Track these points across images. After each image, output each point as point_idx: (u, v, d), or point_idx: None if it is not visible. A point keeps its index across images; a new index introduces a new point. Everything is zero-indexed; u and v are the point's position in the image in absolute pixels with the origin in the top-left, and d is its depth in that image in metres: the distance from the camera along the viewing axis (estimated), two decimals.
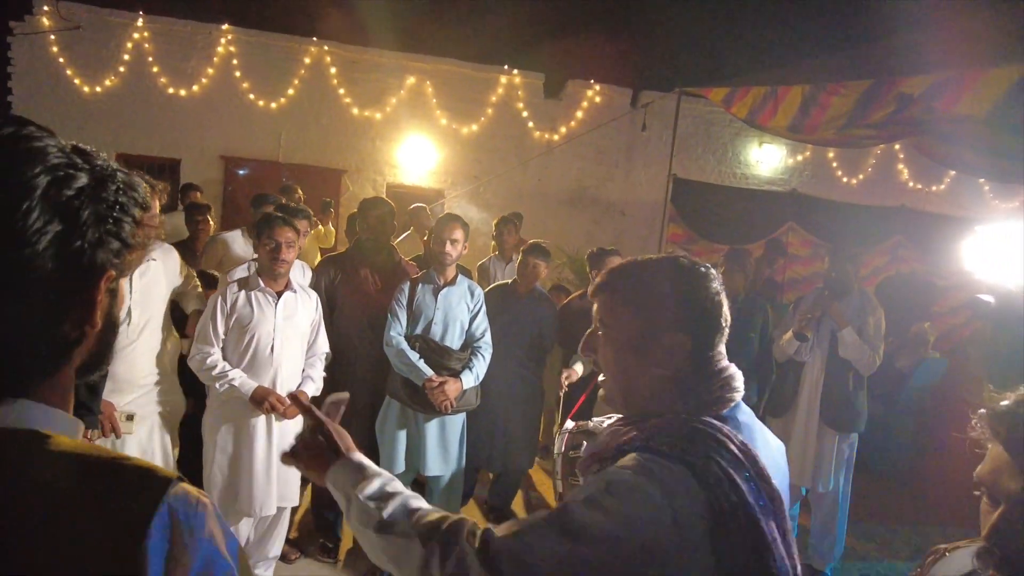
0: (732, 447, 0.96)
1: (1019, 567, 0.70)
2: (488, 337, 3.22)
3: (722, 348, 1.11)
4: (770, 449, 1.10)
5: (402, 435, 3.11)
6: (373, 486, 1.05)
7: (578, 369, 3.50)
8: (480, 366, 3.13)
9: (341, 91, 7.60)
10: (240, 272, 3.14)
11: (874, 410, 3.66)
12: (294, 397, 1.28)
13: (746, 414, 1.09)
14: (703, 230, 6.50)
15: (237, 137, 7.54)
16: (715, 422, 1.00)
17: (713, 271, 1.12)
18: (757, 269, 6.04)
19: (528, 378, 3.70)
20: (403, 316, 3.08)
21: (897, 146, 7.97)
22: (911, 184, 8.61)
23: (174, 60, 7.31)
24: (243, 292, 2.79)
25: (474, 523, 0.99)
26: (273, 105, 7.51)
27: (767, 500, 0.94)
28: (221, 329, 2.75)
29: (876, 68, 4.09)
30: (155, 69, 7.26)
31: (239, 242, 4.15)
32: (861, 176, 8.65)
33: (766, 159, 8.48)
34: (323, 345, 3.02)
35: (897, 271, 7.14)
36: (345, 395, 1.28)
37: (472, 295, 3.21)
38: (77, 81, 7.14)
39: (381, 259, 3.37)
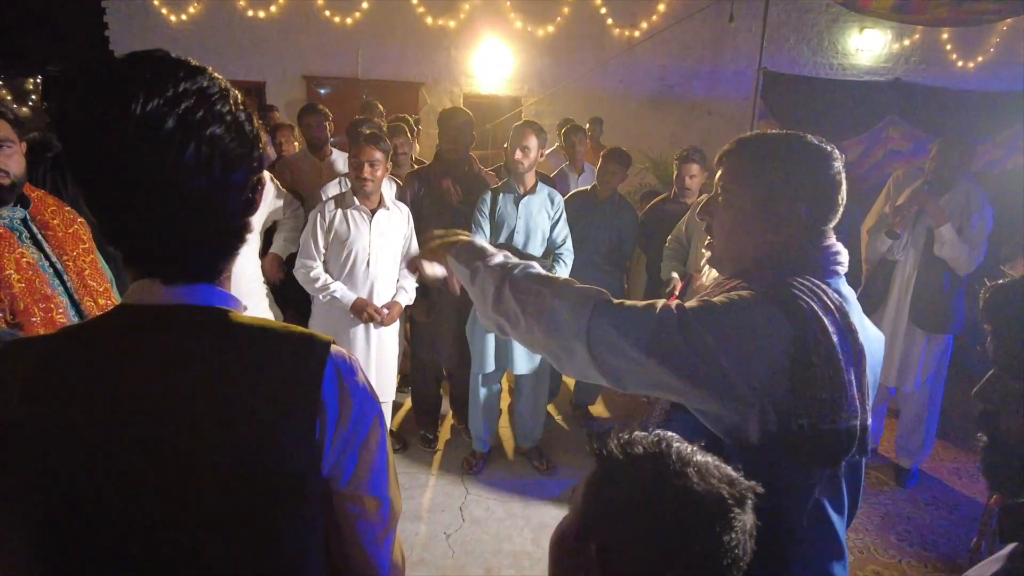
0: (825, 298, 1.05)
1: (995, 421, 0.79)
2: (569, 244, 3.29)
3: (832, 225, 1.17)
4: (865, 329, 1.15)
5: (491, 338, 3.30)
6: (498, 258, 1.22)
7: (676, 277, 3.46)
8: (562, 272, 3.23)
9: (414, 0, 7.50)
10: (332, 188, 3.33)
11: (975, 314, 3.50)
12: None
13: (847, 288, 1.16)
14: (796, 126, 6.06)
15: (317, 56, 7.65)
16: (814, 280, 1.08)
17: (837, 152, 1.17)
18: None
19: (608, 283, 3.77)
20: (486, 226, 3.19)
21: None
22: None
23: None
24: (339, 210, 2.97)
25: (598, 291, 1.12)
26: (349, 21, 7.52)
27: (850, 349, 1.02)
28: (322, 244, 2.97)
29: None
30: None
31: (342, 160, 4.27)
32: (980, 58, 7.80)
33: (868, 46, 7.77)
34: None
35: (1014, 163, 6.55)
36: None
37: (552, 203, 3.27)
38: (164, 11, 7.38)
39: (462, 170, 3.46)
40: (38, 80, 9.37)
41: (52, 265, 1.75)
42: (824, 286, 1.07)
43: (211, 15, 7.44)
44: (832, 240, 1.16)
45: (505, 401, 4.01)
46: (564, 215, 3.30)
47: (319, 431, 0.79)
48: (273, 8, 7.46)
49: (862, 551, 2.97)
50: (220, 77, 0.79)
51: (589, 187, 3.83)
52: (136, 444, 0.73)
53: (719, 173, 1.20)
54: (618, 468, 0.75)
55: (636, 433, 0.77)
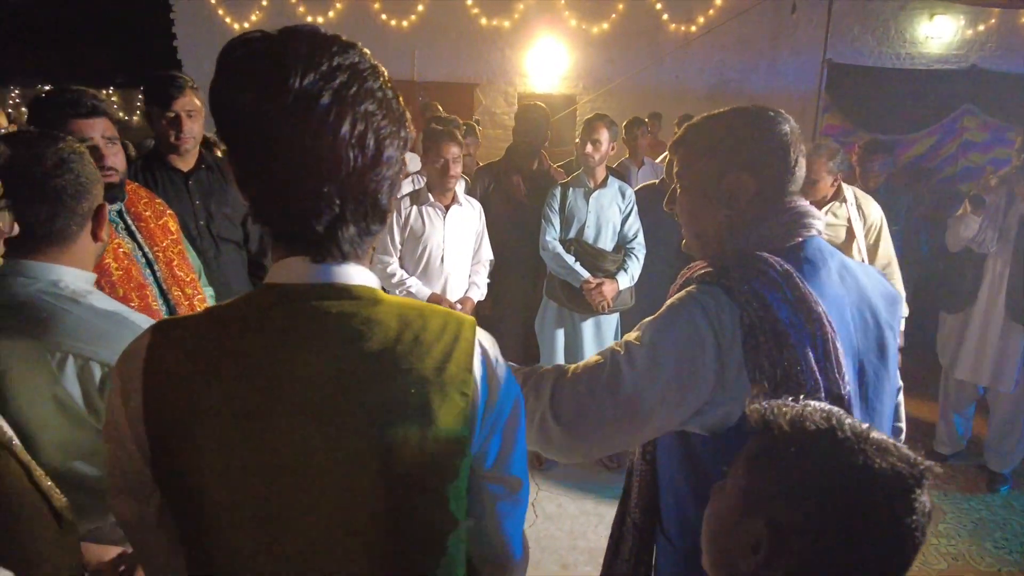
0: (772, 274, 1.04)
1: None
2: (641, 238, 3.25)
3: (795, 188, 1.14)
4: (844, 284, 1.12)
5: (560, 333, 3.29)
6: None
7: None
8: (635, 267, 3.19)
9: (468, 1, 7.55)
10: (406, 186, 3.37)
11: None
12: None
13: (816, 250, 1.12)
14: (863, 120, 5.96)
15: (374, 59, 7.77)
16: (764, 254, 1.08)
17: (784, 115, 1.15)
18: None
19: (676, 278, 3.70)
20: (556, 221, 3.18)
21: None
22: None
23: None
24: (414, 207, 3.01)
25: (556, 370, 1.15)
26: (405, 23, 7.63)
27: (802, 321, 1.02)
28: (398, 240, 3.01)
29: None
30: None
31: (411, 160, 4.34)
32: None
33: (939, 33, 7.45)
34: (487, 253, 3.22)
35: None
36: None
37: (623, 196, 3.24)
38: (228, 20, 7.63)
39: (531, 166, 3.46)
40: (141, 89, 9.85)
41: (144, 255, 1.83)
42: (774, 260, 1.06)
43: (271, 22, 7.60)
44: (796, 203, 1.13)
45: None
46: (635, 209, 3.26)
47: (471, 410, 0.78)
48: (331, 13, 7.62)
49: (956, 559, 2.84)
50: (368, 53, 0.78)
51: (657, 180, 3.77)
52: (293, 423, 0.73)
53: (674, 163, 1.22)
54: (790, 443, 0.73)
55: (807, 407, 0.75)
